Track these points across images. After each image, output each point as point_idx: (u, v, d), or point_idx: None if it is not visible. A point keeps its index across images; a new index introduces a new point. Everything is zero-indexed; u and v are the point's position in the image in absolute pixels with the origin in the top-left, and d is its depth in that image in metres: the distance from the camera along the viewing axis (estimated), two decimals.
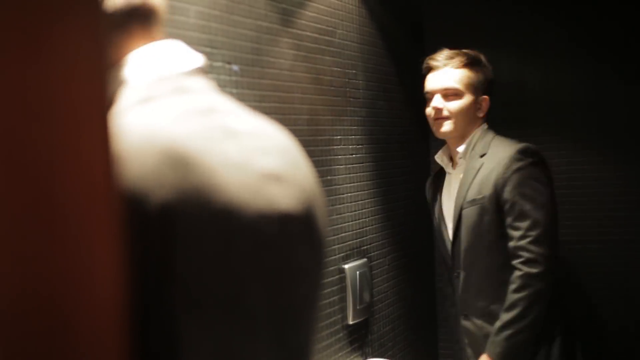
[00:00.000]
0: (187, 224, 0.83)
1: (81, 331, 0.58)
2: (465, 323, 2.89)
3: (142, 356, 0.81)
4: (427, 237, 3.83)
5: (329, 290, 2.66)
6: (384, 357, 3.10)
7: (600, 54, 3.46)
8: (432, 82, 2.95)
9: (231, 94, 2.12)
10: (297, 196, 0.98)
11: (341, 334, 2.75)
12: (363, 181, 3.00)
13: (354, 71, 2.96)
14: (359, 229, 2.95)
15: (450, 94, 2.90)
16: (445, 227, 2.96)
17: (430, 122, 2.96)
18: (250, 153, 0.94)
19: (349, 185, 2.86)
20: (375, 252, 3.09)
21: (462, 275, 2.87)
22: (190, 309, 0.83)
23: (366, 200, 3.02)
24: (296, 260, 0.97)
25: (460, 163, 2.93)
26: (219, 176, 0.87)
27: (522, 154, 2.81)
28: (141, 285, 0.81)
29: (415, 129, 3.69)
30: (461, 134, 2.93)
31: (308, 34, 2.60)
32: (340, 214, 2.78)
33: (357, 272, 2.84)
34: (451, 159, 3.03)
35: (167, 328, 0.82)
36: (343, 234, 2.80)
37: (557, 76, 3.60)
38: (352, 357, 2.83)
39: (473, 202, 2.80)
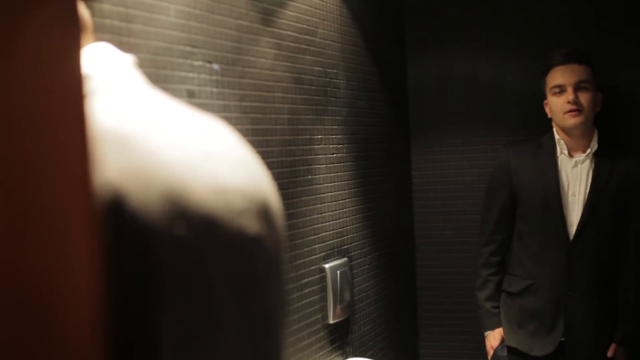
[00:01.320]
0: (132, 201, 0.83)
1: (56, 335, 0.58)
2: (569, 299, 3.17)
3: (115, 353, 0.81)
4: (408, 236, 3.84)
5: (309, 289, 2.66)
6: (365, 357, 3.10)
7: (587, 44, 3.48)
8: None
9: (211, 93, 2.12)
10: (243, 173, 0.99)
11: (322, 334, 2.75)
12: (343, 181, 3.00)
13: (335, 71, 2.96)
14: (340, 228, 2.95)
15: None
16: (561, 206, 3.18)
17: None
18: (191, 136, 0.95)
19: (329, 184, 2.86)
20: (356, 252, 3.10)
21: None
22: (152, 291, 0.83)
23: (347, 200, 3.03)
24: (247, 235, 0.98)
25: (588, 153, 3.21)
26: (161, 153, 0.88)
27: None
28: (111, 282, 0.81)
29: (396, 128, 3.69)
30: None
31: (289, 33, 2.60)
32: (321, 213, 2.78)
33: (338, 272, 2.84)
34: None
35: (131, 313, 0.82)
36: (323, 234, 2.80)
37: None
38: (332, 356, 2.83)
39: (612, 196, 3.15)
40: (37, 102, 0.57)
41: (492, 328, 3.38)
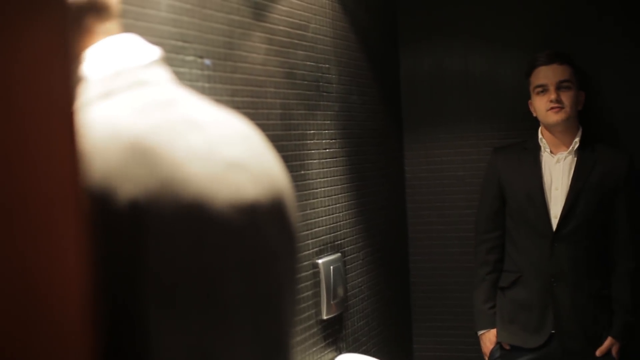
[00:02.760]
0: (156, 219, 0.82)
1: (46, 332, 0.57)
2: (555, 289, 3.25)
3: (113, 354, 0.80)
4: (401, 231, 3.84)
5: (302, 285, 2.65)
6: (358, 352, 3.10)
7: (574, 46, 3.48)
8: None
9: (203, 88, 2.11)
10: (264, 184, 0.97)
11: (315, 329, 2.74)
12: (336, 176, 2.99)
13: (327, 66, 2.95)
14: (333, 223, 2.94)
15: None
16: (544, 200, 3.28)
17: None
18: (214, 143, 0.93)
19: (322, 180, 2.85)
20: (349, 247, 3.09)
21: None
22: (163, 305, 0.82)
23: (340, 195, 3.02)
24: (268, 249, 0.96)
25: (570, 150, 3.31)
26: (185, 168, 0.86)
27: None
28: (111, 284, 0.80)
29: (389, 123, 3.69)
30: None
31: (281, 28, 2.58)
32: (314, 208, 2.78)
33: (331, 267, 2.83)
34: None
35: (139, 326, 0.81)
36: (317, 229, 2.79)
37: None
38: (326, 352, 2.83)
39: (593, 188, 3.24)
40: (28, 103, 0.56)
41: (486, 328, 3.41)
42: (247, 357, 0.93)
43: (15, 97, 0.55)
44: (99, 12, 1.01)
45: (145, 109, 0.90)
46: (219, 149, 0.93)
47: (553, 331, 3.25)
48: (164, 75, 1.00)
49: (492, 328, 3.40)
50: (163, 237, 0.82)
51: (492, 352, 3.39)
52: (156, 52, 1.02)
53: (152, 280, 0.81)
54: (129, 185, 0.81)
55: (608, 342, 3.23)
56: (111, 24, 1.03)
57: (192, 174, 0.87)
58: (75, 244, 0.58)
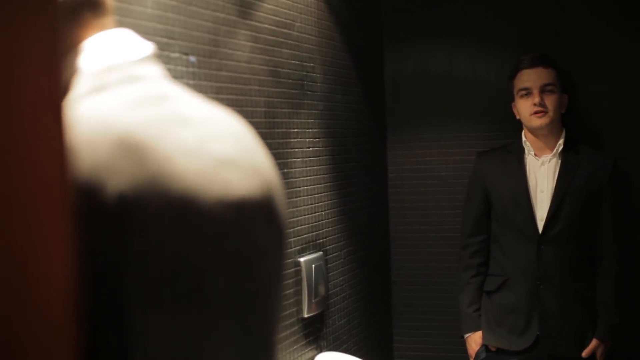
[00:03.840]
0: (145, 214, 0.82)
1: (31, 326, 0.57)
2: (541, 292, 3.25)
3: (99, 352, 0.80)
4: (383, 231, 3.84)
5: (284, 283, 2.65)
6: (339, 351, 3.11)
7: (557, 48, 3.49)
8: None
9: (188, 85, 2.11)
10: (254, 181, 0.97)
11: (296, 327, 2.75)
12: (319, 174, 3.00)
13: (311, 64, 2.95)
14: (315, 222, 2.95)
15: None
16: (530, 203, 3.29)
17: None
18: (205, 139, 0.93)
19: (305, 178, 2.86)
20: (331, 246, 3.10)
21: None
22: (150, 301, 0.82)
23: (322, 194, 3.02)
24: (256, 246, 0.96)
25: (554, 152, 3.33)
26: (174, 164, 0.87)
27: None
28: (98, 279, 0.80)
29: (373, 123, 3.70)
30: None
31: (266, 26, 2.59)
32: (297, 207, 2.78)
33: (313, 266, 2.84)
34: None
35: (125, 321, 0.81)
36: (299, 227, 2.80)
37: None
38: (307, 350, 2.83)
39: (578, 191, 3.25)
40: (17, 97, 0.56)
41: (472, 331, 3.42)
42: (233, 354, 0.93)
43: (5, 91, 0.55)
44: (94, 6, 1.01)
45: (136, 104, 0.90)
46: (209, 145, 0.93)
47: (539, 333, 3.26)
48: (156, 71, 1.00)
49: (478, 331, 3.41)
50: (151, 232, 0.82)
51: (477, 353, 3.40)
52: (149, 47, 1.02)
53: (139, 276, 0.81)
54: (117, 180, 0.81)
55: (593, 343, 3.25)
56: (105, 19, 1.03)
57: (181, 169, 0.87)
58: (62, 237, 0.59)
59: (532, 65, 3.31)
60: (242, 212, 0.93)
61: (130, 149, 0.83)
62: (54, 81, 0.60)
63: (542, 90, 3.28)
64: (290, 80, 2.75)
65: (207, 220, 0.88)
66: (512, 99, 3.40)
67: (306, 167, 2.87)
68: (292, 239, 2.74)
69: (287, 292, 2.68)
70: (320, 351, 2.95)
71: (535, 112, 3.26)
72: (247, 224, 0.94)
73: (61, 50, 0.61)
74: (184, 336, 0.86)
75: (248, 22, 2.47)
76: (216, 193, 0.90)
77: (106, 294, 0.80)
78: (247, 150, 1.00)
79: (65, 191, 0.60)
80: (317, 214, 2.96)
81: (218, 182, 0.91)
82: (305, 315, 2.79)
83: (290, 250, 2.72)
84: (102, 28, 1.02)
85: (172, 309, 0.85)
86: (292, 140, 2.75)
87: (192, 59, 2.14)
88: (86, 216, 0.79)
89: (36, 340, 0.58)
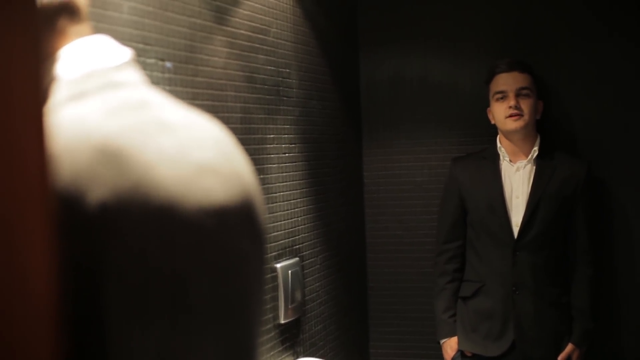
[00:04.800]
0: (125, 222, 0.82)
1: (9, 334, 0.57)
2: (517, 297, 3.27)
3: (79, 357, 0.80)
4: (359, 236, 3.85)
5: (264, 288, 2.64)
6: (315, 356, 3.10)
7: (532, 54, 3.52)
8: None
9: (164, 91, 2.10)
10: (234, 188, 0.97)
11: (273, 333, 2.74)
12: (295, 180, 3.00)
13: (287, 70, 2.95)
14: (291, 228, 2.94)
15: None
16: (505, 209, 3.31)
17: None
18: (185, 146, 0.93)
19: (281, 184, 2.85)
20: (307, 252, 3.10)
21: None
22: (131, 308, 0.82)
23: (298, 200, 3.02)
24: (237, 252, 0.96)
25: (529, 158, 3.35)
26: (155, 171, 0.86)
27: None
28: (79, 287, 0.79)
29: (348, 128, 3.70)
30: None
31: (242, 32, 2.58)
32: (273, 213, 2.78)
33: (289, 272, 2.83)
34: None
35: (105, 329, 0.81)
36: (275, 233, 2.79)
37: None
38: (283, 356, 2.82)
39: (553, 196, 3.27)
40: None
41: (447, 336, 3.43)
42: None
43: None
44: (71, 13, 1.01)
45: (116, 111, 0.89)
46: (189, 151, 0.93)
47: (514, 339, 3.27)
48: (135, 77, 1.00)
49: (453, 336, 3.42)
50: (132, 240, 0.82)
51: (453, 358, 3.41)
52: (127, 53, 1.01)
53: (121, 284, 0.81)
54: (99, 187, 0.80)
55: (568, 348, 3.27)
56: (82, 26, 1.02)
57: (163, 176, 0.87)
58: (42, 245, 0.58)
59: (509, 69, 3.33)
60: (222, 219, 0.93)
61: (111, 157, 0.83)
62: (35, 88, 0.59)
63: (518, 94, 3.30)
64: (266, 86, 2.75)
65: (189, 228, 0.88)
66: (487, 105, 3.42)
67: (282, 172, 2.87)
68: (269, 245, 2.73)
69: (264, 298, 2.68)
70: (297, 357, 2.95)
71: (511, 115, 3.28)
72: (228, 230, 0.94)
73: (42, 56, 0.61)
74: (166, 344, 0.85)
75: (224, 27, 2.46)
76: (197, 200, 0.90)
77: (88, 302, 0.80)
78: (227, 156, 0.99)
79: (46, 198, 0.59)
80: (293, 219, 2.96)
81: (199, 189, 0.91)
82: (282, 321, 2.79)
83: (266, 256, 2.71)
84: (80, 35, 1.01)
85: (155, 317, 0.84)
86: (268, 145, 2.75)
87: (168, 65, 2.14)
88: (67, 224, 0.78)
89: (14, 346, 0.58)
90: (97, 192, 0.80)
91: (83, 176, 0.80)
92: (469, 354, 3.37)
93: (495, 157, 3.38)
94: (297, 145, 3.02)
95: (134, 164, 0.84)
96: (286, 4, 2.97)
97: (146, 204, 0.84)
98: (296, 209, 3.00)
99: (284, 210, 2.87)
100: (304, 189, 3.08)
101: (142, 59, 2.01)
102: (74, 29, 1.01)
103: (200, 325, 0.90)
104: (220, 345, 0.93)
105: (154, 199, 0.84)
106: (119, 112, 0.90)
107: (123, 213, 0.81)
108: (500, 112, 3.32)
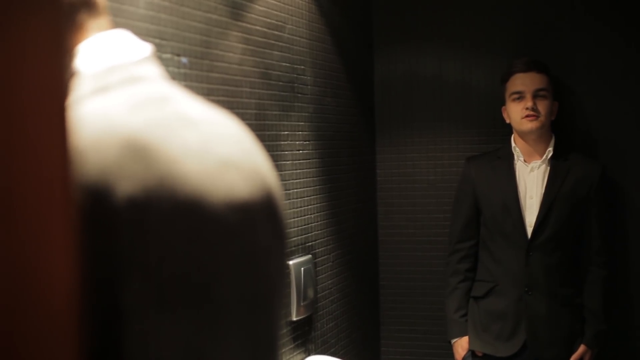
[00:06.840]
0: (153, 216, 0.81)
1: (36, 330, 0.56)
2: (529, 298, 3.26)
3: (106, 353, 0.79)
4: (372, 234, 3.84)
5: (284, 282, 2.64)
6: (327, 354, 3.10)
7: (547, 54, 3.50)
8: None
9: (180, 86, 2.10)
10: (256, 183, 0.97)
11: (285, 330, 2.74)
12: (309, 177, 2.99)
13: (302, 67, 2.95)
14: (304, 225, 2.94)
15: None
16: (519, 209, 3.29)
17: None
18: (208, 140, 0.93)
19: (295, 181, 2.85)
20: (320, 249, 3.09)
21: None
22: (159, 304, 0.82)
23: (312, 197, 3.02)
24: (260, 247, 0.96)
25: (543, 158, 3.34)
26: (181, 165, 0.86)
27: None
28: (106, 282, 0.79)
29: (362, 125, 3.69)
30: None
31: (257, 28, 2.58)
32: (286, 210, 2.77)
33: (302, 269, 2.83)
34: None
35: (133, 325, 0.80)
36: (288, 230, 2.79)
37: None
38: (295, 353, 2.82)
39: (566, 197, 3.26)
40: (21, 99, 0.55)
41: (458, 336, 3.42)
42: (237, 355, 0.92)
43: (8, 93, 0.54)
44: (90, 7, 1.01)
45: (140, 105, 0.89)
46: (212, 146, 0.93)
47: (526, 339, 3.26)
48: (156, 72, 1.00)
49: (464, 336, 3.41)
50: (161, 235, 0.82)
51: (464, 358, 3.40)
52: (148, 48, 1.01)
53: (148, 279, 0.81)
54: (127, 182, 0.80)
55: (581, 350, 3.26)
56: (102, 20, 1.02)
57: (188, 171, 0.86)
58: (64, 240, 0.58)
59: (526, 69, 3.31)
60: (246, 213, 0.93)
61: (138, 151, 0.83)
62: (58, 82, 0.59)
63: (535, 95, 3.28)
64: (280, 83, 2.75)
65: (214, 222, 0.88)
66: (501, 104, 3.40)
67: (296, 169, 2.86)
68: None
69: None
70: (309, 354, 2.94)
71: (527, 116, 3.26)
72: (251, 225, 0.94)
73: (64, 50, 0.60)
74: (192, 338, 0.86)
75: (239, 23, 2.46)
76: (222, 195, 0.90)
77: (117, 296, 0.80)
78: (247, 152, 0.99)
79: (68, 193, 0.59)
80: (306, 216, 2.96)
81: (223, 184, 0.91)
82: (294, 319, 2.78)
83: None
84: (99, 29, 1.01)
85: (181, 312, 0.84)
86: (282, 142, 2.75)
87: (184, 60, 2.14)
88: (95, 219, 0.78)
89: (38, 342, 0.58)
90: (125, 186, 0.80)
91: (111, 170, 0.80)
92: (479, 354, 3.36)
93: (510, 157, 3.37)
94: (311, 142, 3.01)
95: (160, 159, 0.84)
96: (302, 0, 2.96)
97: (173, 198, 0.83)
98: (309, 206, 2.99)
99: (297, 207, 2.87)
100: (317, 186, 3.08)
101: (158, 53, 2.01)
102: (93, 23, 1.00)
103: (226, 318, 0.90)
104: (245, 338, 0.93)
105: (180, 193, 0.84)
106: (143, 106, 0.89)
107: (151, 207, 0.81)
108: (516, 113, 3.31)
